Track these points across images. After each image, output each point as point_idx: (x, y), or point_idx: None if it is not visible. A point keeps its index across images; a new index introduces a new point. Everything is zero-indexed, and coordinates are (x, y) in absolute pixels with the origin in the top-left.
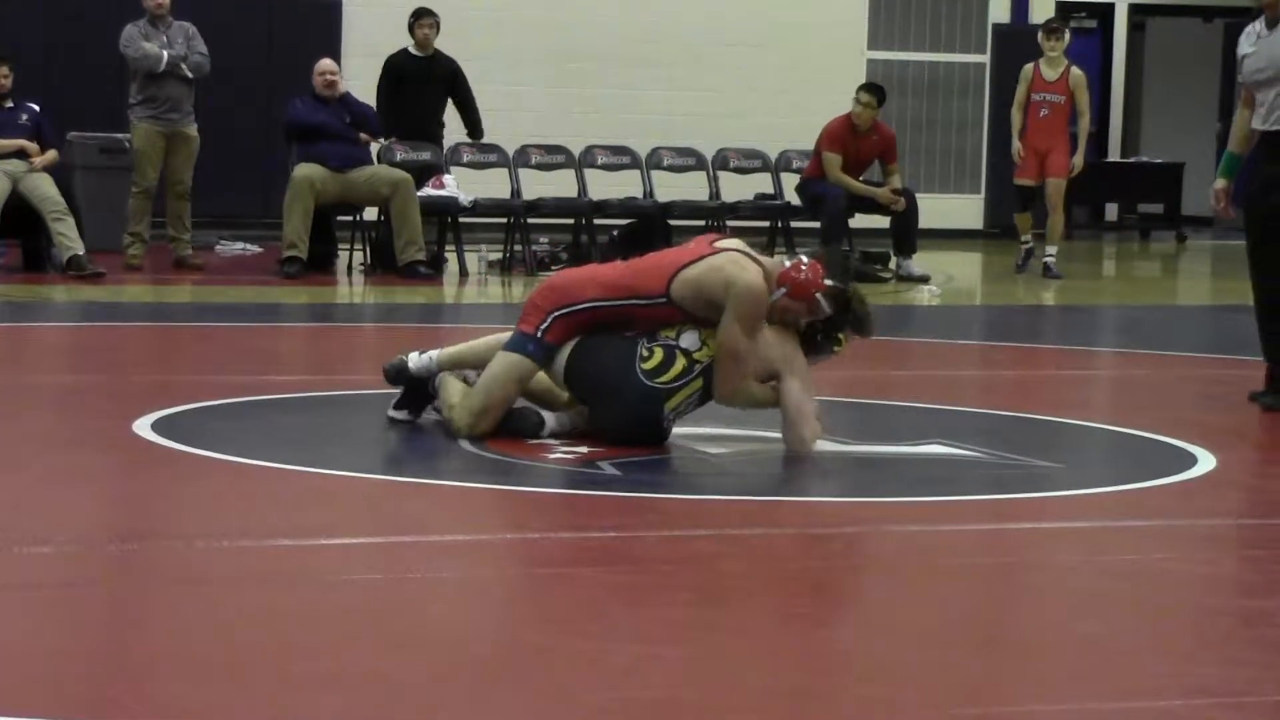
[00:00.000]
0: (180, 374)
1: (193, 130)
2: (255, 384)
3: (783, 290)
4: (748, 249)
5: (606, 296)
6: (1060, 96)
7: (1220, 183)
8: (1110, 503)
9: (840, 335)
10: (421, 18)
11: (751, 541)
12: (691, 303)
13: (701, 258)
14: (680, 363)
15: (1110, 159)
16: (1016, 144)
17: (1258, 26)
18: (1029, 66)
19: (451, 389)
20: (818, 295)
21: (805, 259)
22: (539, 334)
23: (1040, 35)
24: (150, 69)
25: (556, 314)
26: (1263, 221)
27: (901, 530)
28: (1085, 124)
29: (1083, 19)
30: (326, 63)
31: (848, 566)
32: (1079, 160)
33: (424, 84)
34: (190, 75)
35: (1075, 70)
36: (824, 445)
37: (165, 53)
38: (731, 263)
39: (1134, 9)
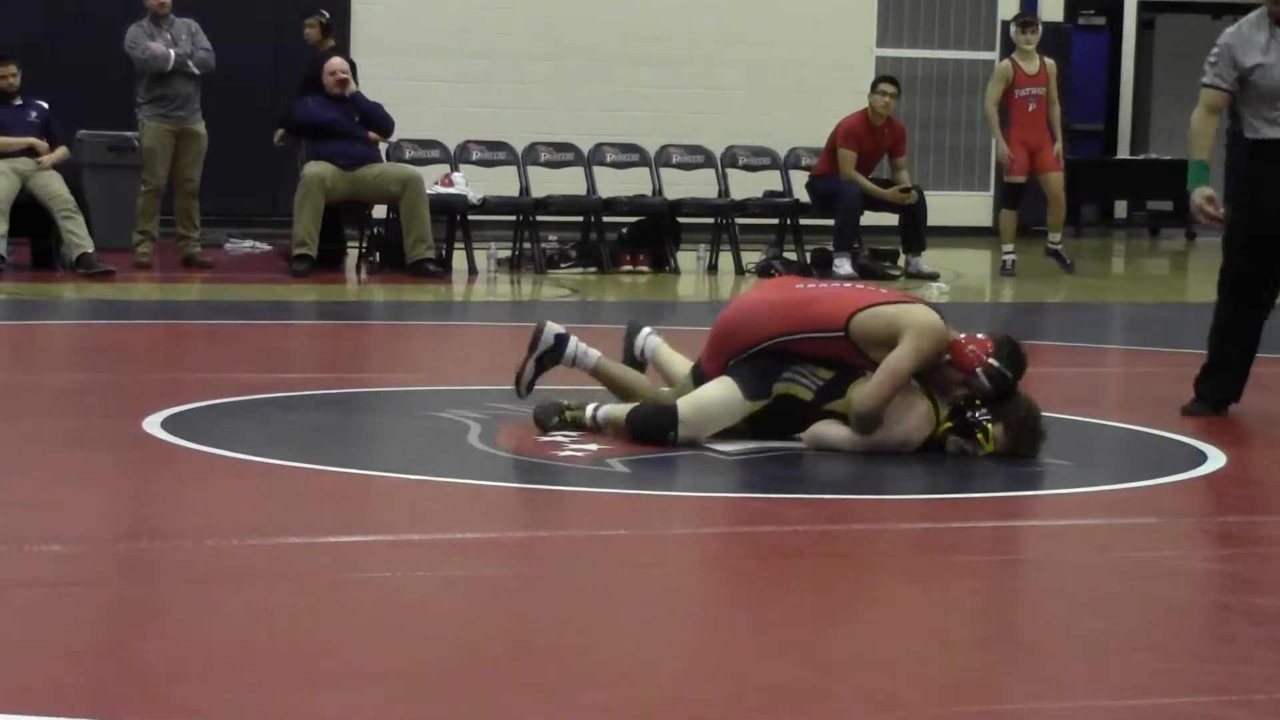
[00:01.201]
0: (190, 372)
1: (201, 128)
2: (265, 382)
3: (947, 357)
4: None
5: (785, 332)
6: (1043, 89)
7: (1205, 190)
8: (1119, 500)
9: (988, 428)
10: (305, 17)
11: (760, 539)
12: (867, 339)
13: (894, 302)
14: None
15: (1119, 156)
16: (1004, 146)
17: (1257, 35)
18: (1005, 64)
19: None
20: (978, 369)
21: (981, 335)
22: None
23: (1014, 30)
24: (159, 69)
25: (731, 361)
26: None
27: (909, 528)
28: (1058, 113)
29: (1091, 16)
30: (337, 61)
31: (855, 564)
32: (1059, 149)
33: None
34: (196, 72)
35: (1049, 61)
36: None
37: (172, 52)
38: (917, 306)
39: (1143, 6)
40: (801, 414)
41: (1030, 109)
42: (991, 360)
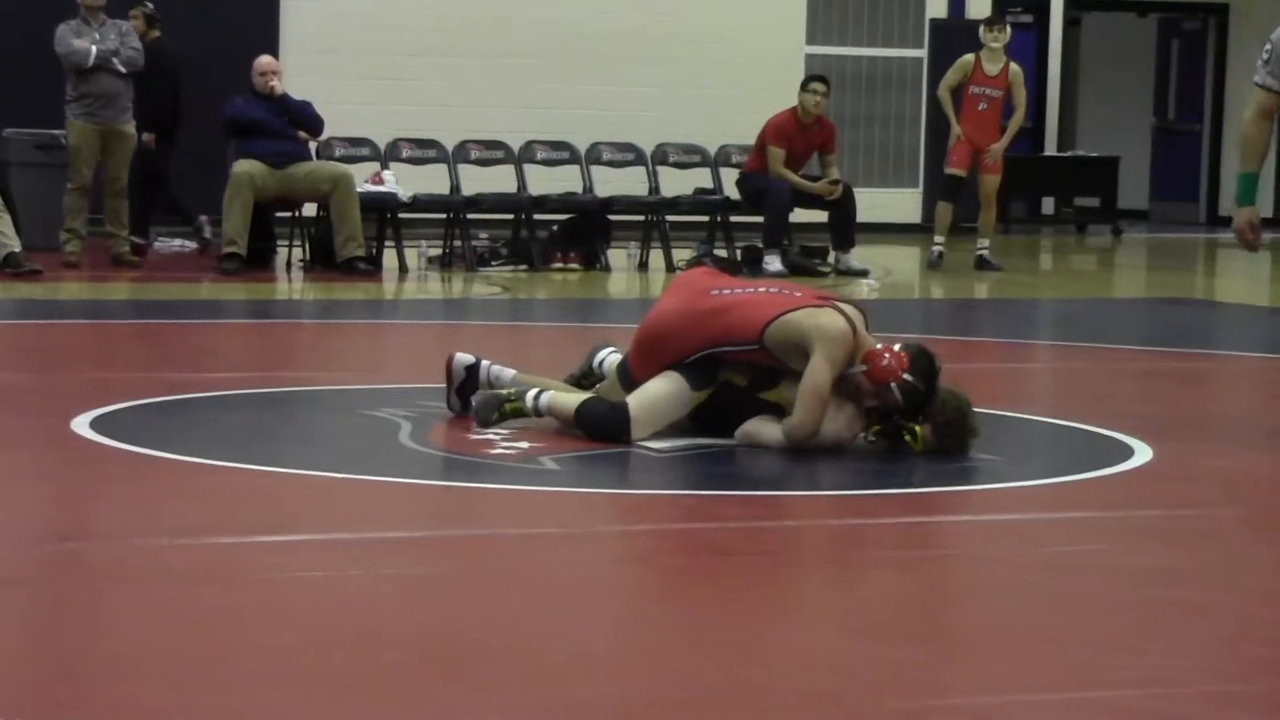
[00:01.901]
0: (119, 371)
1: (129, 128)
2: (195, 381)
3: (862, 368)
4: (858, 314)
5: (705, 346)
6: (999, 91)
7: (1247, 212)
8: (1049, 495)
9: (915, 430)
10: (130, 8)
11: (692, 536)
12: (782, 349)
13: (803, 307)
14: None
15: (1047, 153)
16: (957, 128)
17: None
18: (969, 57)
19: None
20: (892, 384)
21: (896, 347)
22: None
23: (982, 29)
24: (79, 64)
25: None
26: None
27: (841, 524)
28: (1019, 118)
29: (1019, 14)
30: (266, 60)
31: (789, 560)
32: (998, 149)
33: (148, 75)
34: (123, 70)
35: (1014, 66)
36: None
37: (94, 48)
38: (824, 311)
39: (1070, 3)
40: (737, 401)
41: (981, 108)
42: (906, 375)
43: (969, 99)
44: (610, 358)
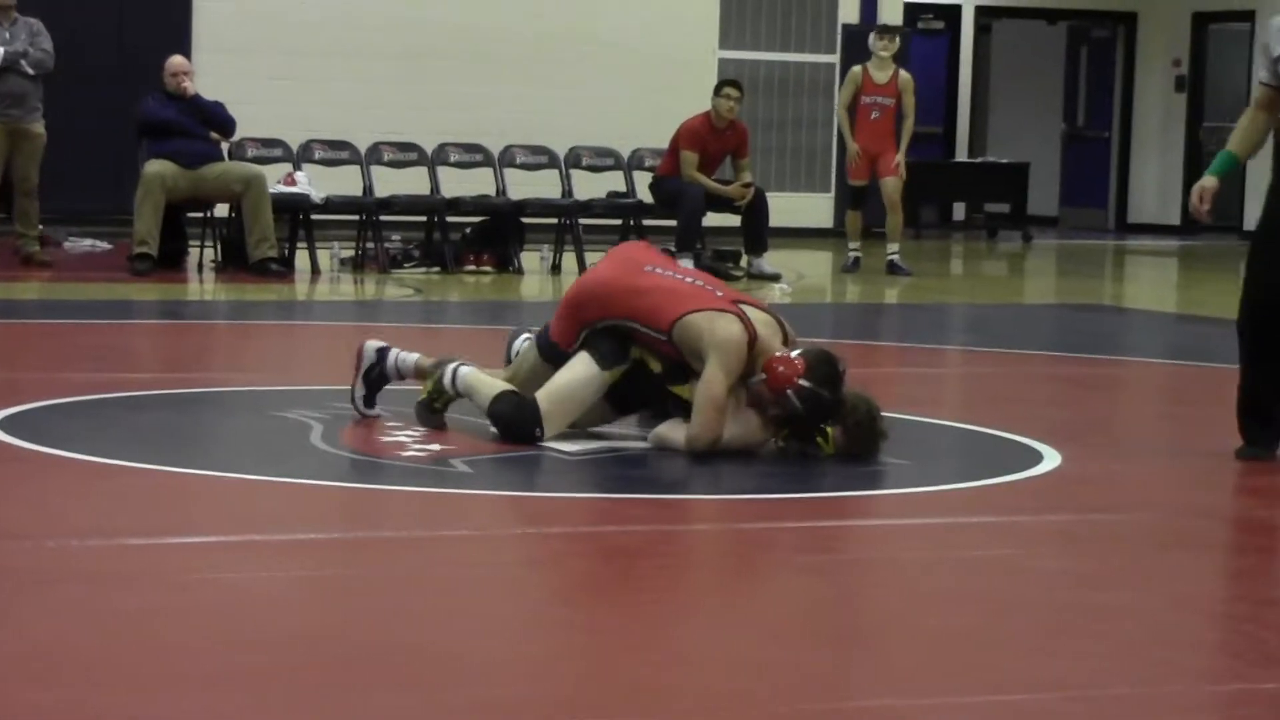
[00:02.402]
0: (28, 371)
1: (38, 128)
2: (105, 382)
3: (762, 376)
4: (771, 321)
5: (624, 317)
6: (890, 99)
7: (1210, 181)
8: (958, 499)
9: (827, 431)
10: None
11: (603, 538)
12: (685, 348)
13: (710, 309)
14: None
15: (958, 159)
16: (854, 146)
17: None
18: (857, 69)
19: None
20: (788, 391)
21: (795, 354)
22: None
23: (873, 36)
24: None
25: (586, 330)
26: None
27: (750, 527)
28: (909, 125)
29: (930, 20)
30: (177, 60)
31: (698, 562)
32: (901, 159)
33: None
34: (30, 72)
35: (904, 73)
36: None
37: (2, 49)
38: (722, 317)
39: (980, 11)
40: (649, 388)
41: (873, 116)
42: (802, 381)
43: (861, 109)
44: (527, 343)
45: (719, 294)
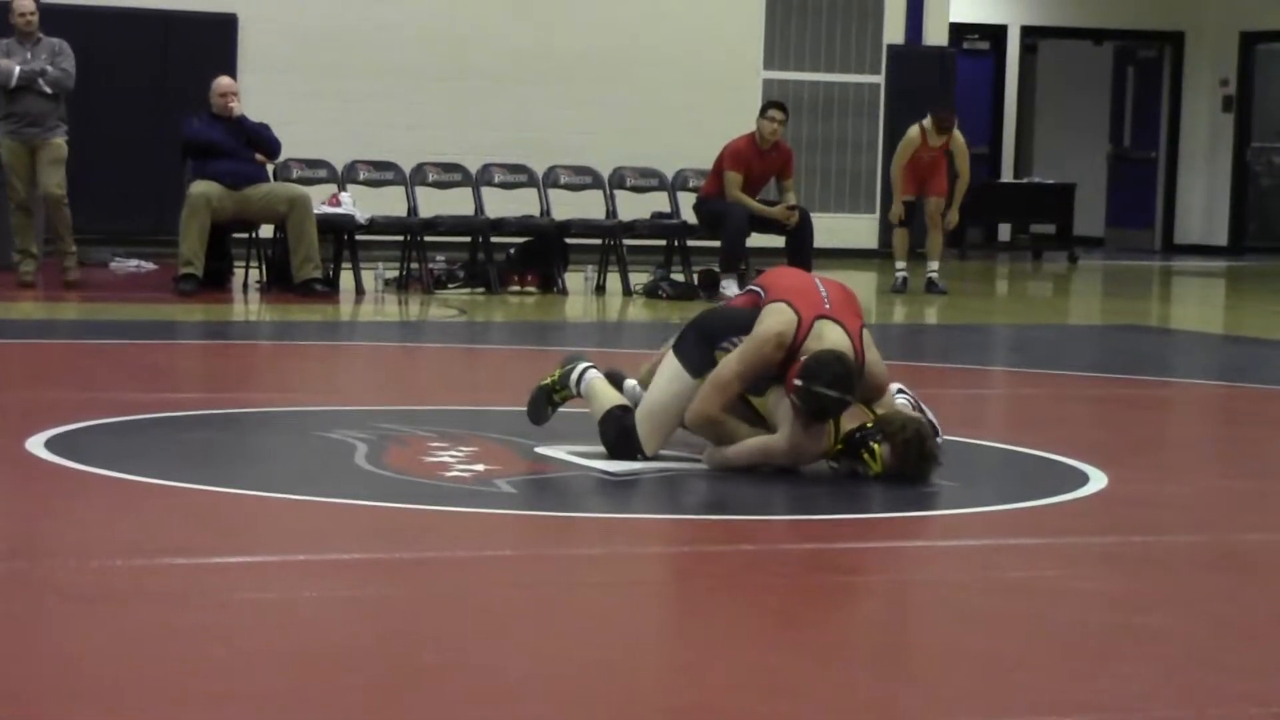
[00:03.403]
0: (74, 391)
1: (58, 139)
2: (150, 402)
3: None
4: (843, 338)
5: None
6: (937, 150)
7: None
8: (1003, 520)
9: (875, 449)
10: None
11: (647, 559)
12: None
13: (782, 300)
14: None
15: (1003, 179)
16: (898, 207)
17: None
18: (915, 132)
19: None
20: (790, 395)
21: (804, 357)
22: None
23: (930, 120)
24: (3, 84)
25: None
26: None
27: (796, 548)
28: (963, 185)
29: (976, 40)
30: (224, 81)
31: (744, 583)
32: (954, 216)
33: None
34: (48, 91)
35: (958, 136)
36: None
37: (17, 68)
38: (775, 310)
39: (1026, 31)
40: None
41: (925, 158)
42: (797, 381)
43: (913, 161)
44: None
45: (826, 304)
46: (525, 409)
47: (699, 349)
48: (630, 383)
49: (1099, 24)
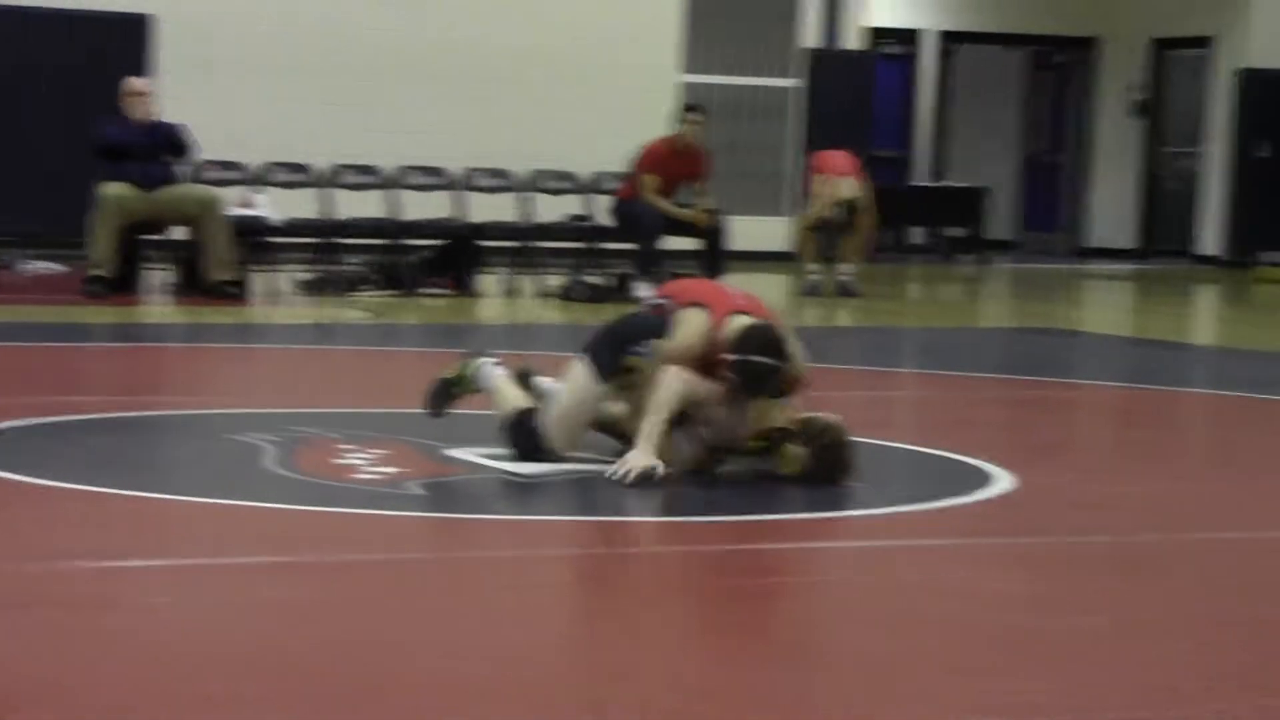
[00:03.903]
0: None
1: None
2: (60, 405)
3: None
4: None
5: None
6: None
7: None
8: (911, 521)
9: (792, 449)
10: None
11: (556, 562)
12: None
13: (707, 305)
14: None
15: (916, 183)
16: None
17: None
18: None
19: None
20: (725, 371)
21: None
22: None
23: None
24: None
25: None
26: None
27: (705, 549)
28: (868, 239)
29: (892, 45)
30: (136, 82)
31: (648, 585)
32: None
33: None
34: None
35: (866, 192)
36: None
37: None
38: (691, 316)
39: (942, 36)
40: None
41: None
42: (728, 355)
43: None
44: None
45: (737, 301)
46: (424, 400)
47: (609, 354)
48: (543, 380)
49: (1014, 29)
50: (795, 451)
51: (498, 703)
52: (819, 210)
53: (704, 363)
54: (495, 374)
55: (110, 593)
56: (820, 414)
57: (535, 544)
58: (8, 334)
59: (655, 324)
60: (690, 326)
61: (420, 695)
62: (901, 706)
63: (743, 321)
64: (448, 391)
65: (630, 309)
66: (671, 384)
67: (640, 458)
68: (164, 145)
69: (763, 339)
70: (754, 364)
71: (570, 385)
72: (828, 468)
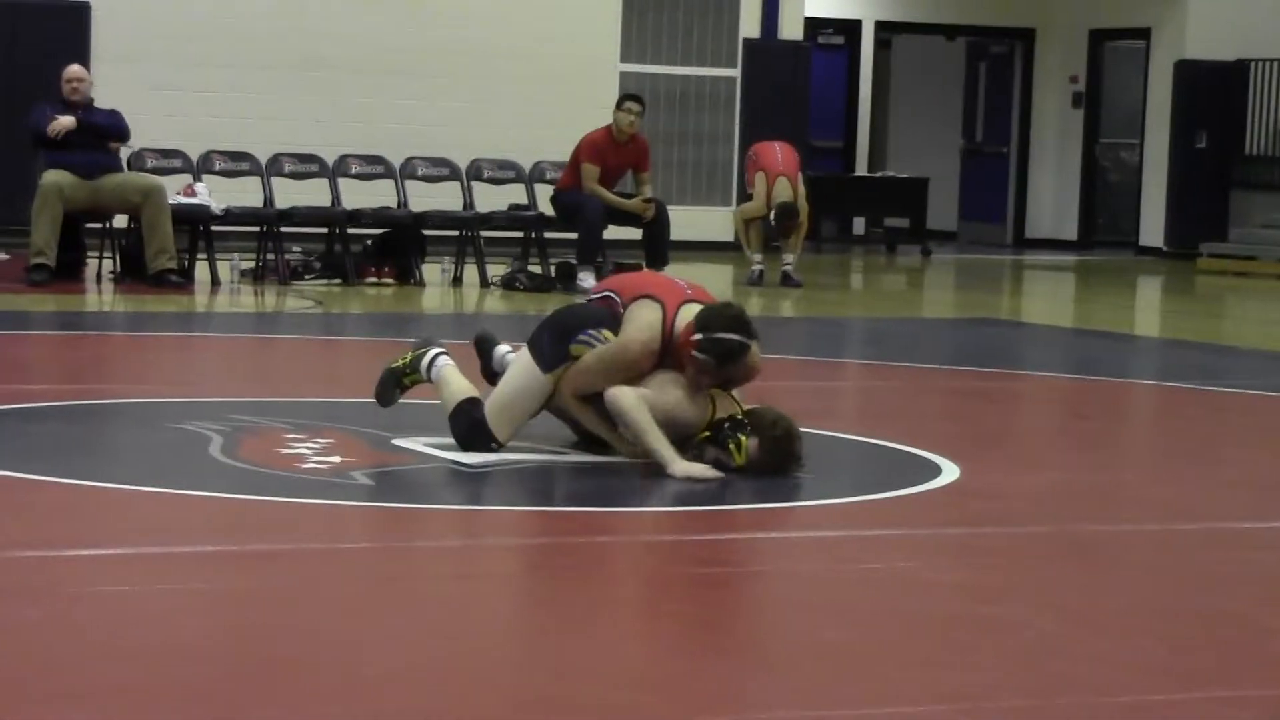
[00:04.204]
0: None
1: None
2: (1, 393)
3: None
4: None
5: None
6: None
7: None
8: (857, 512)
9: (741, 440)
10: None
11: (502, 551)
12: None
13: (653, 297)
14: None
15: (857, 173)
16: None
17: None
18: (759, 204)
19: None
20: (695, 354)
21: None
22: None
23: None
24: None
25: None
26: None
27: (652, 540)
28: (802, 231)
29: (830, 35)
30: (74, 69)
31: (596, 575)
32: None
33: None
34: None
35: (800, 188)
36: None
37: None
38: (642, 308)
39: (880, 26)
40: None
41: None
42: (697, 336)
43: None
44: (506, 357)
45: (687, 291)
46: (373, 391)
47: (553, 345)
48: (502, 349)
49: (952, 20)
50: (744, 442)
51: (441, 695)
52: (756, 208)
53: (663, 353)
54: (443, 363)
55: (48, 582)
56: (772, 408)
57: (482, 534)
58: None
59: (599, 314)
60: (643, 320)
61: (362, 686)
62: (843, 695)
63: (701, 308)
64: (398, 382)
65: (573, 299)
66: (635, 406)
67: (689, 467)
68: (107, 132)
69: (728, 316)
70: (725, 341)
71: (513, 376)
72: (777, 459)
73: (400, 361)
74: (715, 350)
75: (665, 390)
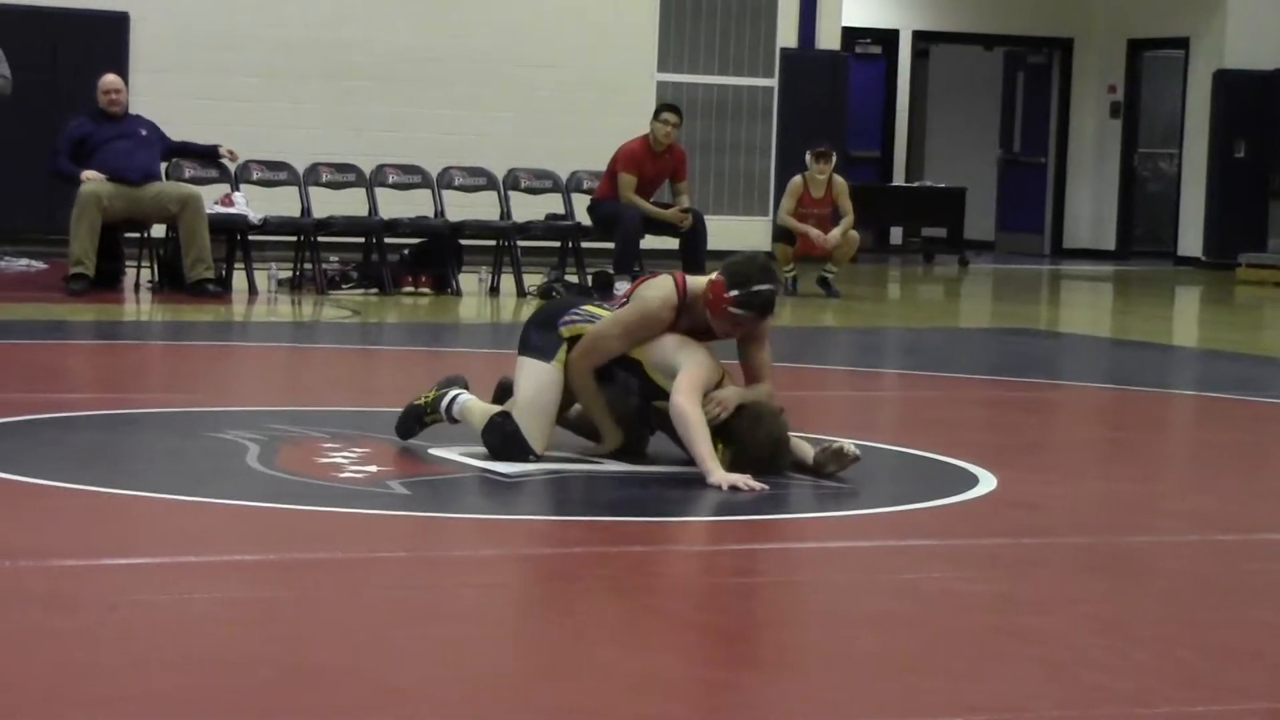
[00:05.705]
0: None
1: None
2: (40, 402)
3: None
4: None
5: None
6: (826, 209)
7: None
8: (893, 522)
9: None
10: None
11: (537, 561)
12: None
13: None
14: None
15: (894, 183)
16: (806, 230)
17: None
18: (798, 181)
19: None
20: (730, 310)
21: (713, 276)
22: None
23: (809, 157)
24: None
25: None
26: None
27: (685, 549)
28: (848, 222)
29: (868, 45)
30: (110, 79)
31: (630, 585)
32: (837, 235)
33: None
34: None
35: (838, 179)
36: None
37: None
38: (654, 283)
39: (918, 36)
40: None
41: (809, 221)
42: (732, 293)
43: (797, 217)
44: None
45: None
46: (395, 425)
47: (542, 335)
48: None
49: (990, 29)
50: (734, 431)
51: (475, 704)
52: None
53: (680, 312)
54: (465, 400)
55: (86, 591)
56: (764, 402)
57: (517, 543)
58: None
59: (573, 301)
60: (655, 284)
61: (397, 695)
62: (878, 706)
63: (723, 264)
64: (419, 419)
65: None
66: (700, 423)
67: (729, 477)
68: (205, 152)
69: (758, 266)
70: (761, 293)
71: (523, 382)
72: (763, 452)
73: (423, 400)
74: (755, 303)
75: (696, 357)
